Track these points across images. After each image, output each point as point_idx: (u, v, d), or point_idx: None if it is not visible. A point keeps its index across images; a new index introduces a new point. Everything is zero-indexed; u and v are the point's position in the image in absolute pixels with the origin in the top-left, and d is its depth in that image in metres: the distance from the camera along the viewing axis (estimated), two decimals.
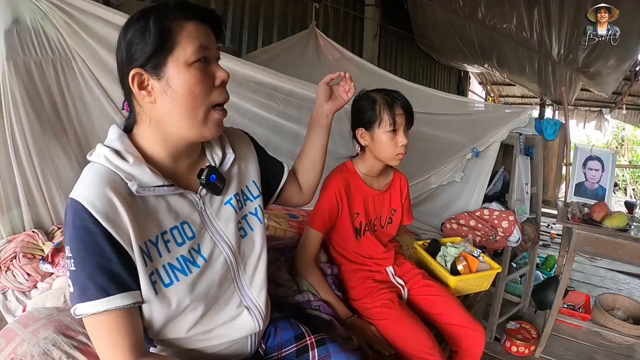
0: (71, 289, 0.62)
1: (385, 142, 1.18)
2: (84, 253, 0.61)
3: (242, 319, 0.78)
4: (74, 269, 0.61)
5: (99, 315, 0.61)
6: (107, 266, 0.61)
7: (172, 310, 0.67)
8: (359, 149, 1.28)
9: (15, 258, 1.27)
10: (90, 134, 1.51)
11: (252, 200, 0.84)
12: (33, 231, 1.38)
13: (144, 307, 0.66)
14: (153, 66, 0.64)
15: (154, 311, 0.66)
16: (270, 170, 0.94)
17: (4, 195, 1.35)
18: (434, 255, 1.46)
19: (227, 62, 1.52)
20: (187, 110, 0.66)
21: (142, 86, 0.65)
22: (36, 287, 1.25)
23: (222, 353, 0.78)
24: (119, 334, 0.62)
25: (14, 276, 1.25)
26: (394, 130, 1.17)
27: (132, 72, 0.64)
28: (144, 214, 0.67)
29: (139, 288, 0.64)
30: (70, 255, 0.61)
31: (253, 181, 0.86)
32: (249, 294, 0.80)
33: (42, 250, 1.32)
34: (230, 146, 0.82)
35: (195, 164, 0.77)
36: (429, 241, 1.56)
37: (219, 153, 0.80)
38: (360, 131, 1.23)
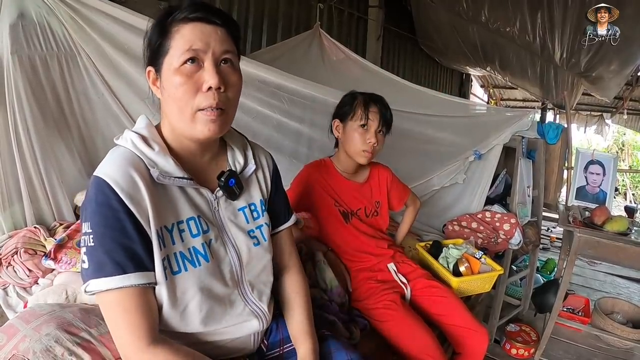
0: (85, 265, 0.62)
1: (355, 136, 1.26)
2: (104, 229, 0.61)
3: (246, 320, 0.78)
4: (92, 244, 0.61)
5: (114, 293, 0.61)
6: (127, 244, 0.62)
7: (177, 300, 0.68)
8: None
9: (17, 253, 1.27)
10: (94, 130, 1.51)
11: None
12: (35, 227, 1.37)
13: (156, 290, 0.66)
14: (156, 67, 0.69)
15: (161, 296, 0.66)
16: (274, 206, 0.88)
17: (6, 190, 1.34)
18: (436, 257, 1.46)
19: None
20: (175, 109, 0.68)
21: (154, 82, 0.71)
22: (37, 283, 1.24)
23: (226, 347, 0.79)
24: (136, 313, 0.62)
25: (15, 272, 1.24)
26: (365, 126, 1.24)
27: (147, 69, 0.71)
28: (163, 201, 0.68)
29: (154, 270, 0.65)
30: (90, 231, 0.62)
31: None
32: (252, 298, 0.80)
33: (44, 246, 1.31)
34: (253, 156, 0.84)
35: (213, 164, 0.79)
36: (430, 242, 1.56)
37: (241, 160, 0.81)
38: (336, 122, 1.32)
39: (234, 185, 0.76)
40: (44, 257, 1.23)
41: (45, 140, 1.38)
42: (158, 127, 0.74)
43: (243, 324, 0.78)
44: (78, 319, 0.88)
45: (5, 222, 1.36)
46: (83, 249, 0.63)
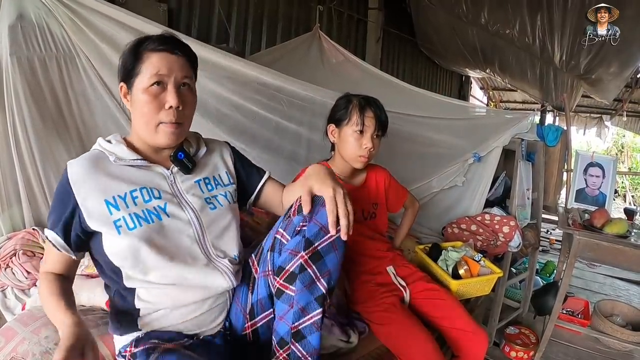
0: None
1: (350, 141, 1.25)
2: (55, 196, 0.83)
3: (212, 274, 0.85)
4: (51, 203, 0.86)
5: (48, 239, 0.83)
6: (60, 211, 0.81)
7: (136, 245, 0.78)
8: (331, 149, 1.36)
9: (15, 255, 1.27)
10: (93, 131, 1.50)
11: (224, 185, 0.97)
12: (33, 229, 1.37)
13: (107, 241, 0.80)
14: (128, 84, 0.85)
15: (120, 242, 0.79)
16: (246, 174, 1.04)
17: (4, 192, 1.34)
18: (435, 259, 1.46)
19: (231, 63, 1.53)
20: (141, 122, 0.85)
21: (125, 95, 0.87)
22: (35, 285, 1.24)
23: (204, 313, 0.86)
24: (53, 257, 0.85)
25: (14, 274, 1.24)
26: (361, 132, 1.23)
27: (120, 84, 0.87)
28: (117, 177, 0.84)
29: (69, 245, 0.82)
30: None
31: (226, 172, 0.99)
32: (214, 256, 0.87)
33: (42, 248, 1.31)
34: (205, 145, 0.99)
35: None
36: (430, 245, 1.56)
37: (194, 146, 0.97)
38: (331, 127, 1.31)
39: (183, 158, 0.90)
40: (42, 259, 1.23)
41: (44, 142, 1.38)
42: (126, 137, 0.91)
43: (209, 278, 0.85)
44: None
45: (3, 224, 1.36)
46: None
